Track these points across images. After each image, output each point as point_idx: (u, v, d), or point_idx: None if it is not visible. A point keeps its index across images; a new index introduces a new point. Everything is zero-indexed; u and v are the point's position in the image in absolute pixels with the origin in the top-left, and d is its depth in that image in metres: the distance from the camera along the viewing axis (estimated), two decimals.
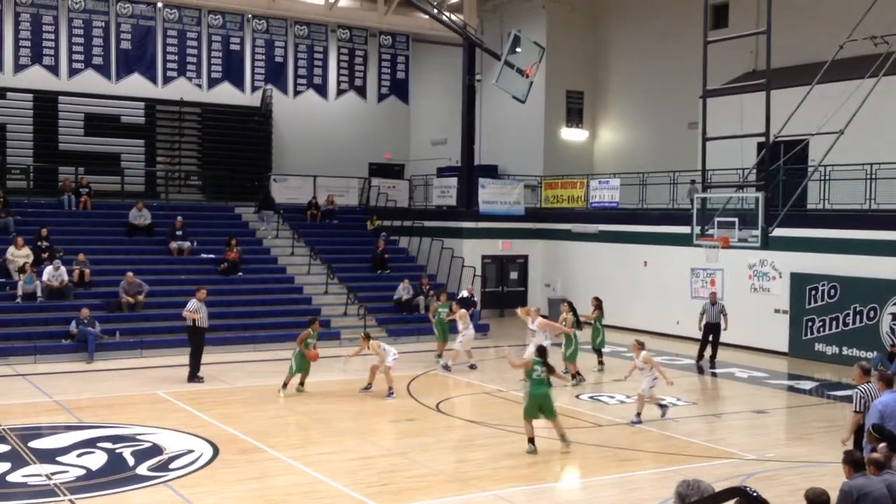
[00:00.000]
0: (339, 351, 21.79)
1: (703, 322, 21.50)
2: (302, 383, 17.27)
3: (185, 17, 29.16)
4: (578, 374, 18.73)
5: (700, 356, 21.48)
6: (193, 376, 18.40)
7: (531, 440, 13.09)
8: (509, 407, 16.78)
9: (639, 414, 15.14)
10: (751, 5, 26.21)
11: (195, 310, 18.27)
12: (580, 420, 15.76)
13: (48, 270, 22.31)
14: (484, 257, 29.93)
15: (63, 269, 22.48)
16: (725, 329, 21.37)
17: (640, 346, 15.36)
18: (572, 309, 19.58)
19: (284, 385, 17.10)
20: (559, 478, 12.84)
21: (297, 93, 31.68)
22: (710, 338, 21.54)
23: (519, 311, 19.92)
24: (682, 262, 25.04)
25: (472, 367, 20.32)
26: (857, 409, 10.94)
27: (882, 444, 8.45)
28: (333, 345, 23.02)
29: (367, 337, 17.69)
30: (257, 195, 29.97)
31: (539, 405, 13.09)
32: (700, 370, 20.93)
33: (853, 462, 7.75)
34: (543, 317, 19.90)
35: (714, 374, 20.49)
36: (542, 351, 13.48)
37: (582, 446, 14.05)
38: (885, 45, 19.85)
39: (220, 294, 24.53)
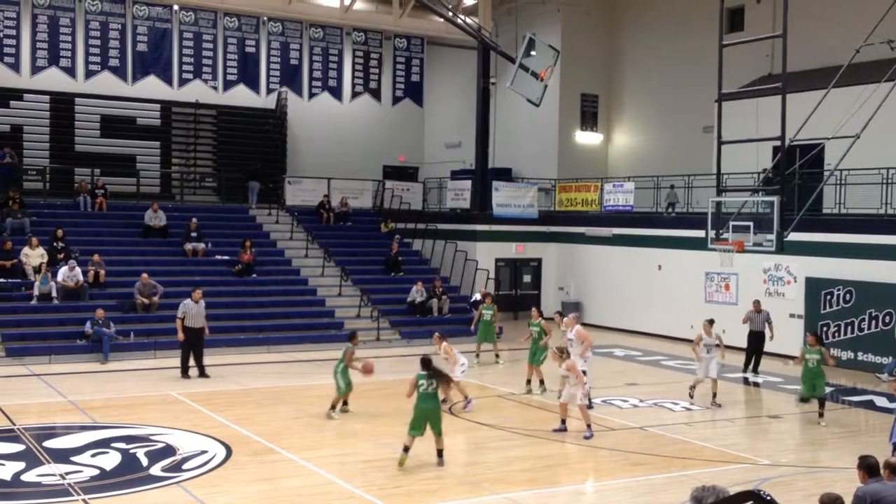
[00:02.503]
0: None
1: (748, 331, 20.81)
2: (346, 402, 16.03)
3: (201, 19, 29.26)
4: (542, 381, 18.33)
5: (746, 366, 20.82)
6: (189, 371, 18.94)
7: (406, 448, 12.42)
8: (521, 410, 16.77)
9: (564, 421, 14.57)
10: (767, 9, 26.13)
11: (182, 313, 18.87)
12: (592, 423, 15.70)
13: (63, 271, 22.44)
14: (497, 260, 29.92)
15: (78, 269, 22.61)
16: (772, 339, 20.57)
17: (562, 353, 14.57)
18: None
19: (333, 406, 15.75)
20: (570, 481, 12.80)
21: (311, 95, 31.74)
22: (755, 346, 20.73)
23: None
24: (697, 266, 24.95)
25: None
26: None
27: None
28: (346, 347, 23.02)
29: (442, 337, 17.11)
30: (269, 196, 30.17)
31: (426, 419, 12.38)
32: (746, 381, 20.33)
33: (867, 467, 7.69)
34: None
35: (756, 385, 20.03)
36: (426, 362, 12.60)
37: (593, 450, 14.02)
38: None
39: (235, 295, 24.65)
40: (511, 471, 12.57)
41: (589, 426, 14.30)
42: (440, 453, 12.55)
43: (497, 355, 21.96)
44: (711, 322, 17.36)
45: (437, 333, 17.59)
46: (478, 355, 21.86)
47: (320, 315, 24.93)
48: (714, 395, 17.11)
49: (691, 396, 17.33)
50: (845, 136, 18.63)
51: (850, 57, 19.82)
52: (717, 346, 17.23)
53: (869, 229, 21.64)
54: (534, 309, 19.54)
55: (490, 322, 21.81)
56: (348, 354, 15.84)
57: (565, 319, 17.96)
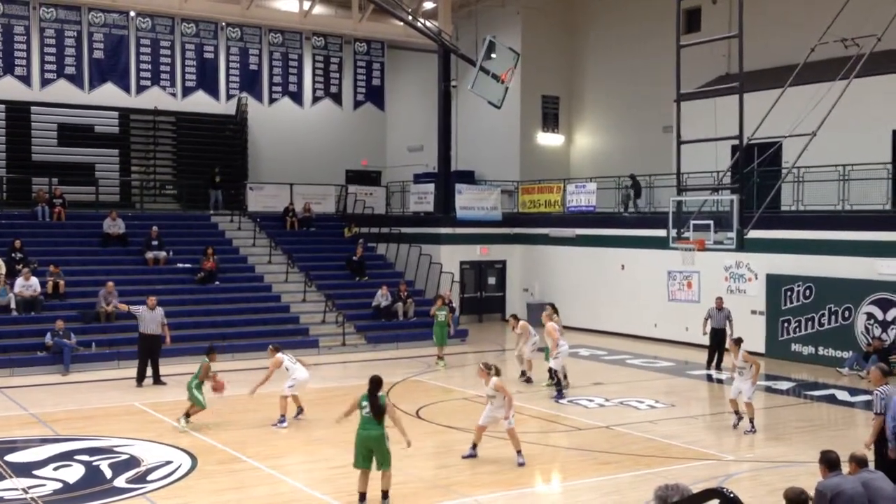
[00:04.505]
0: (318, 359, 21.71)
1: (709, 328, 20.91)
2: (189, 415, 15.13)
3: (159, 25, 28.99)
4: (564, 376, 18.65)
5: (710, 363, 21.03)
6: (141, 380, 18.96)
7: (362, 496, 10.94)
8: None
9: (474, 445, 13.36)
10: (723, 9, 26.37)
11: (138, 313, 19.09)
12: (559, 423, 15.80)
13: (19, 282, 22.15)
14: (462, 263, 29.96)
15: (34, 279, 22.33)
16: (731, 335, 19.70)
17: (489, 370, 13.06)
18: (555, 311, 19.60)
19: (188, 415, 15.01)
20: (539, 482, 12.84)
21: (272, 100, 31.59)
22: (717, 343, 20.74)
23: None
24: (659, 265, 25.16)
25: (529, 380, 19.43)
26: (878, 412, 10.60)
27: None
28: (312, 353, 22.93)
29: (276, 349, 16.02)
30: (231, 203, 29.98)
31: (368, 448, 10.81)
32: (709, 377, 20.51)
33: (828, 462, 7.81)
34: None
35: (720, 381, 20.02)
36: (373, 383, 11.03)
37: (561, 450, 14.08)
38: (856, 47, 20.03)
39: (198, 304, 24.45)
40: (480, 473, 12.58)
41: (519, 452, 12.94)
42: (384, 494, 10.91)
43: (441, 357, 21.94)
44: (738, 342, 15.58)
45: (270, 346, 16.32)
46: (440, 357, 21.92)
47: (285, 321, 24.79)
48: (736, 412, 15.44)
49: (744, 424, 15.27)
50: (802, 134, 18.85)
51: (806, 56, 20.09)
52: (749, 367, 15.09)
53: (827, 226, 21.96)
54: (548, 307, 19.65)
55: (444, 324, 21.87)
56: (204, 369, 15.21)
57: (543, 314, 18.48)
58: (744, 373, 15.22)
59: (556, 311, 19.74)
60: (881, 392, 10.67)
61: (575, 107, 34.30)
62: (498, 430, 13.48)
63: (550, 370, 18.16)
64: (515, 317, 20.55)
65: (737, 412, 15.49)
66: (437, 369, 21.47)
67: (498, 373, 13.11)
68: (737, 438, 14.85)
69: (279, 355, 15.75)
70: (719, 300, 21.25)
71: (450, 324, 22.46)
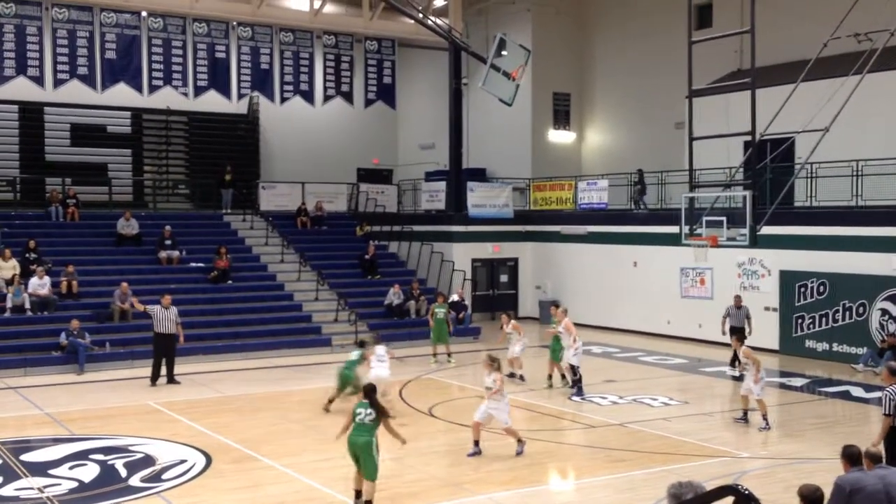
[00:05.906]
0: (330, 358, 21.74)
1: (728, 326, 20.65)
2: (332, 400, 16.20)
3: (170, 25, 29.09)
4: (563, 376, 18.60)
5: (734, 362, 20.43)
6: (155, 380, 18.99)
7: (358, 493, 10.77)
8: None
9: (477, 442, 13.41)
10: (734, 5, 26.28)
11: (153, 312, 19.12)
12: (572, 421, 15.78)
13: (34, 281, 22.26)
14: (474, 261, 29.94)
15: (47, 278, 22.43)
16: (750, 334, 19.73)
17: (493, 363, 13.36)
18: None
19: (331, 400, 16.10)
20: (552, 480, 12.83)
21: (283, 99, 31.65)
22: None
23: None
24: (672, 262, 25.10)
25: (522, 378, 19.41)
26: (888, 412, 10.49)
27: None
28: (325, 351, 23.01)
29: (362, 344, 17.16)
30: (243, 202, 30.04)
31: (355, 455, 10.63)
32: (733, 377, 20.05)
33: (850, 456, 7.75)
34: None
35: (735, 378, 19.69)
36: (369, 391, 10.93)
37: (574, 447, 14.07)
38: (869, 41, 19.94)
39: (211, 303, 24.52)
40: (493, 471, 12.58)
41: (520, 440, 13.22)
42: None
43: (449, 355, 22.02)
44: (741, 339, 16.10)
45: (504, 315, 18.20)
46: (435, 355, 21.94)
47: (297, 320, 24.85)
48: (744, 410, 15.47)
49: (757, 421, 15.26)
50: (815, 130, 18.78)
51: (819, 51, 20.00)
52: (750, 364, 15.18)
53: (840, 221, 21.85)
54: (552, 307, 19.61)
55: (443, 321, 21.88)
56: (366, 357, 16.42)
57: (558, 311, 18.39)
58: (749, 369, 15.29)
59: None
60: (890, 392, 10.57)
61: (586, 104, 34.24)
62: (517, 426, 13.48)
63: (573, 367, 18.02)
64: (508, 314, 20.52)
65: (745, 411, 15.46)
66: (449, 366, 21.48)
67: (499, 367, 13.41)
68: (751, 435, 14.80)
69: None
70: (738, 298, 21.10)
71: (448, 321, 22.34)
